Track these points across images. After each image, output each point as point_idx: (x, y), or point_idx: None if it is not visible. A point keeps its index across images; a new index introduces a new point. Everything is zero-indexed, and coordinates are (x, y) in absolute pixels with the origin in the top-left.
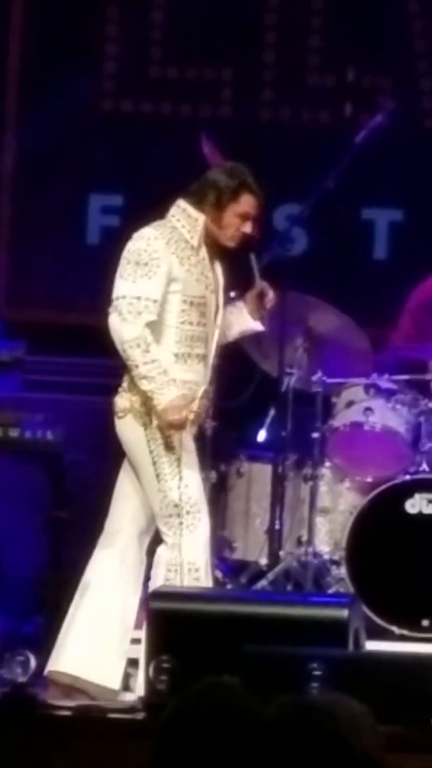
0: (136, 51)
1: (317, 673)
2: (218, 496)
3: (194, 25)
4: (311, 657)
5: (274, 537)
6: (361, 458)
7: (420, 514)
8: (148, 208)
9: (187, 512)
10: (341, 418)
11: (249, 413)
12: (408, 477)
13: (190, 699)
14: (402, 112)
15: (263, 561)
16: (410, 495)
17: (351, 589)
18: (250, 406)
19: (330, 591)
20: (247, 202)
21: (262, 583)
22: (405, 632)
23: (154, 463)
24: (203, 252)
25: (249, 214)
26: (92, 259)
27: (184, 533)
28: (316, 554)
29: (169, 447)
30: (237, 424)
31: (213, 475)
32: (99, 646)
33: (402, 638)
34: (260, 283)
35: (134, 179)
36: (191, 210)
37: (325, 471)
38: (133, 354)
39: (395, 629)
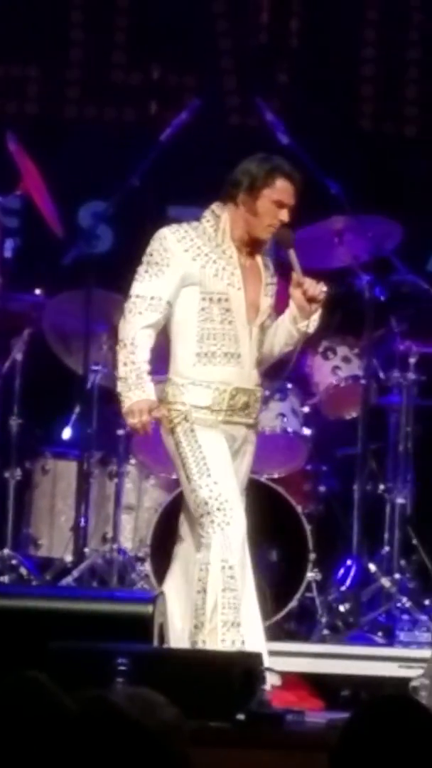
0: None
1: (123, 668)
2: (23, 493)
3: (0, 21)
4: (117, 652)
5: (80, 534)
6: (166, 455)
7: None
8: None
9: (218, 509)
10: None
11: (54, 410)
12: None
13: None
14: (207, 110)
15: (68, 558)
16: None
17: (155, 586)
18: (55, 403)
19: (135, 587)
20: (282, 187)
21: (68, 580)
22: None
23: (183, 465)
24: (229, 248)
25: (284, 202)
26: None
27: (216, 531)
28: (120, 551)
29: (193, 447)
30: (42, 421)
31: (18, 472)
32: None
33: None
34: (301, 279)
35: None
36: (218, 208)
37: (130, 468)
38: (119, 353)
39: None
